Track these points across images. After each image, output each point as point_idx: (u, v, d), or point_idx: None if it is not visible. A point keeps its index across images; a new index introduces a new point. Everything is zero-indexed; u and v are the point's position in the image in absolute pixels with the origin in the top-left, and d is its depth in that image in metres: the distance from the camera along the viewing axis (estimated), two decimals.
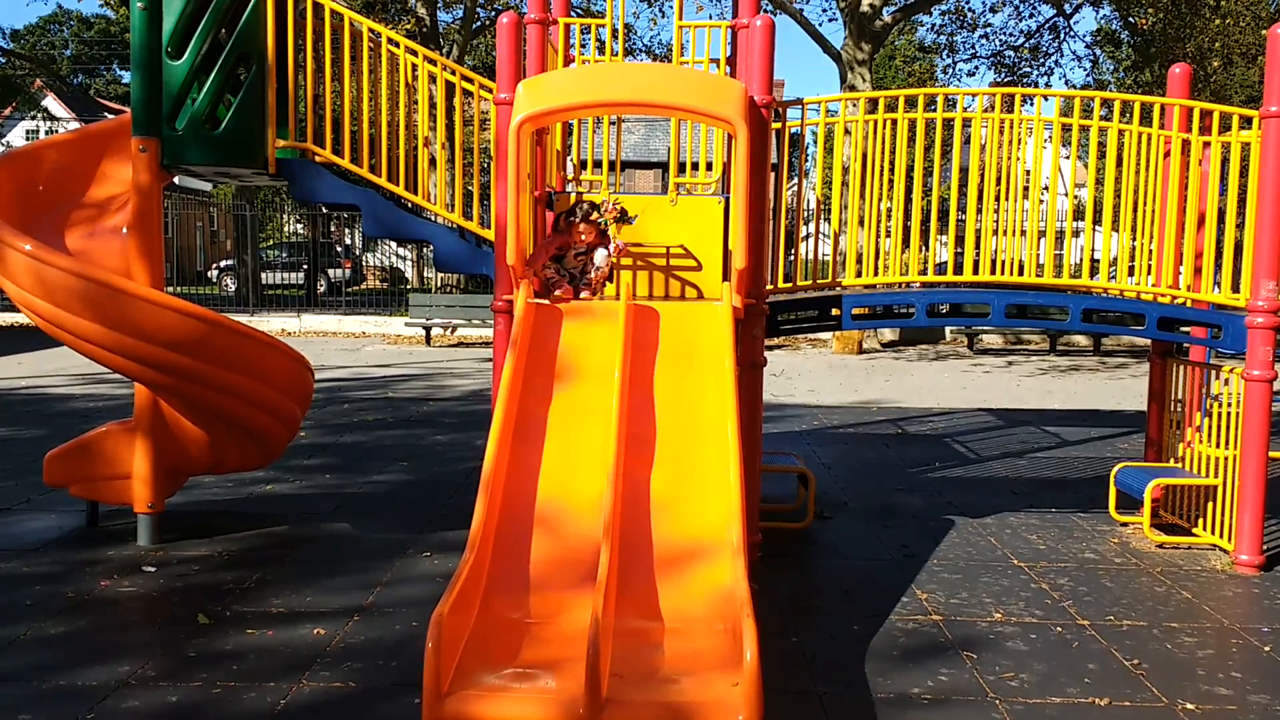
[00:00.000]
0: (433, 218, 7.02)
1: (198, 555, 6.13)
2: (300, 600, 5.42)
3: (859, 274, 6.59)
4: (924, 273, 6.68)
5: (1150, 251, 6.73)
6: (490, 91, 6.22)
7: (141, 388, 6.14)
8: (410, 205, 6.71)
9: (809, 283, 6.67)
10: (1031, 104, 13.36)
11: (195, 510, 7.08)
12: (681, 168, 7.21)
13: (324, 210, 26.90)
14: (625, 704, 3.79)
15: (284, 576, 5.80)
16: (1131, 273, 6.68)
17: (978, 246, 6.50)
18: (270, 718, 4.10)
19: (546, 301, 5.63)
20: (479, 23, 28.17)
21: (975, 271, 6.54)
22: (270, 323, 22.71)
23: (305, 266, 30.00)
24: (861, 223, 6.58)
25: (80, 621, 5.10)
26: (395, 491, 7.79)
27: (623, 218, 5.86)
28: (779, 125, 6.40)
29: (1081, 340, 20.98)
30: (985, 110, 6.59)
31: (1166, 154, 6.68)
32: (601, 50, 7.00)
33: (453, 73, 6.52)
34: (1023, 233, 6.56)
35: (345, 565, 6.02)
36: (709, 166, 7.17)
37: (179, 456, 6.35)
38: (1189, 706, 4.35)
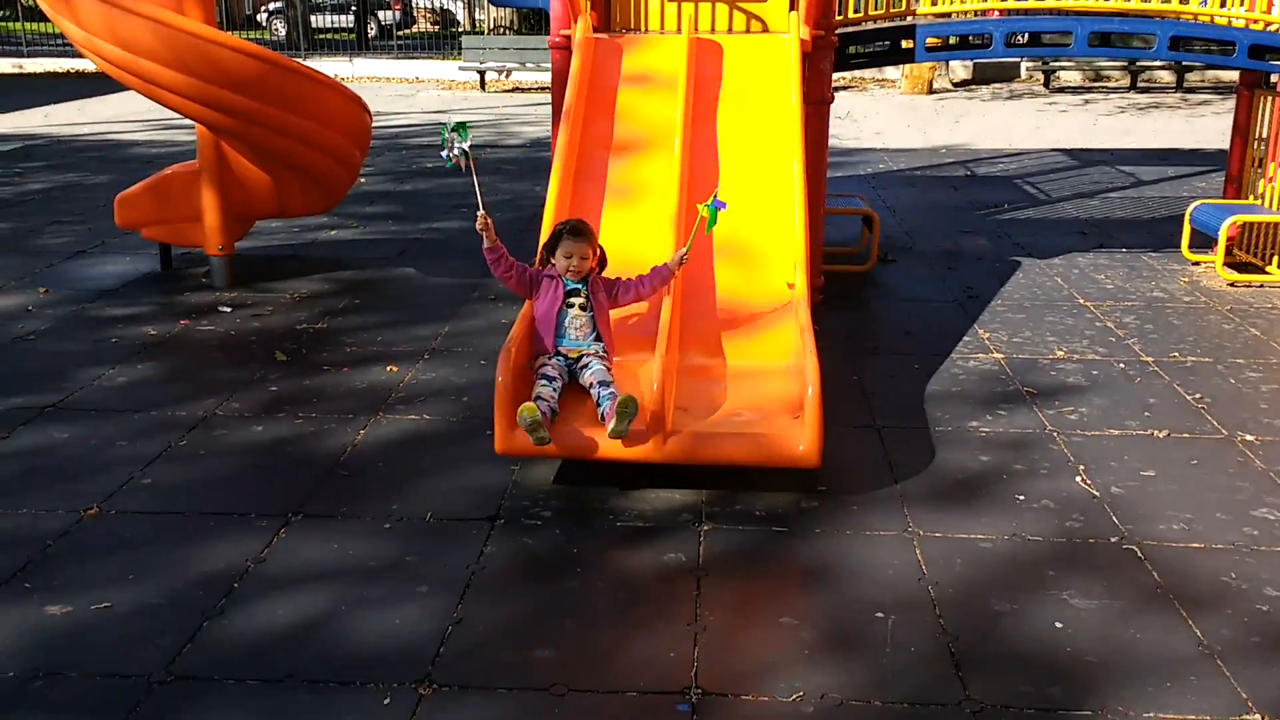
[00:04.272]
0: None
1: (270, 298, 6.29)
2: (371, 340, 5.58)
3: (934, 2, 6.23)
4: None
5: None
6: None
7: (203, 131, 6.12)
8: None
9: (880, 12, 6.34)
10: None
11: (264, 255, 7.20)
12: None
13: None
14: (689, 435, 3.91)
15: (354, 318, 5.95)
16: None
17: None
18: (351, 448, 4.30)
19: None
20: None
21: None
22: (322, 68, 22.31)
23: (354, 8, 29.13)
24: None
25: (165, 359, 5.31)
26: (457, 238, 7.83)
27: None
28: None
29: (1164, 76, 19.96)
30: None
31: None
32: None
33: None
34: None
35: (412, 308, 6.15)
36: None
37: (244, 200, 6.40)
38: (1248, 438, 4.39)
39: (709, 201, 4.21)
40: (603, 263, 4.40)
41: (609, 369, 4.14)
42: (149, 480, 4.01)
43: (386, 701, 2.78)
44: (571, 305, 4.23)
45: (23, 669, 2.90)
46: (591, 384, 4.05)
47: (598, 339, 4.25)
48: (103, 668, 2.91)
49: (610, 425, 3.81)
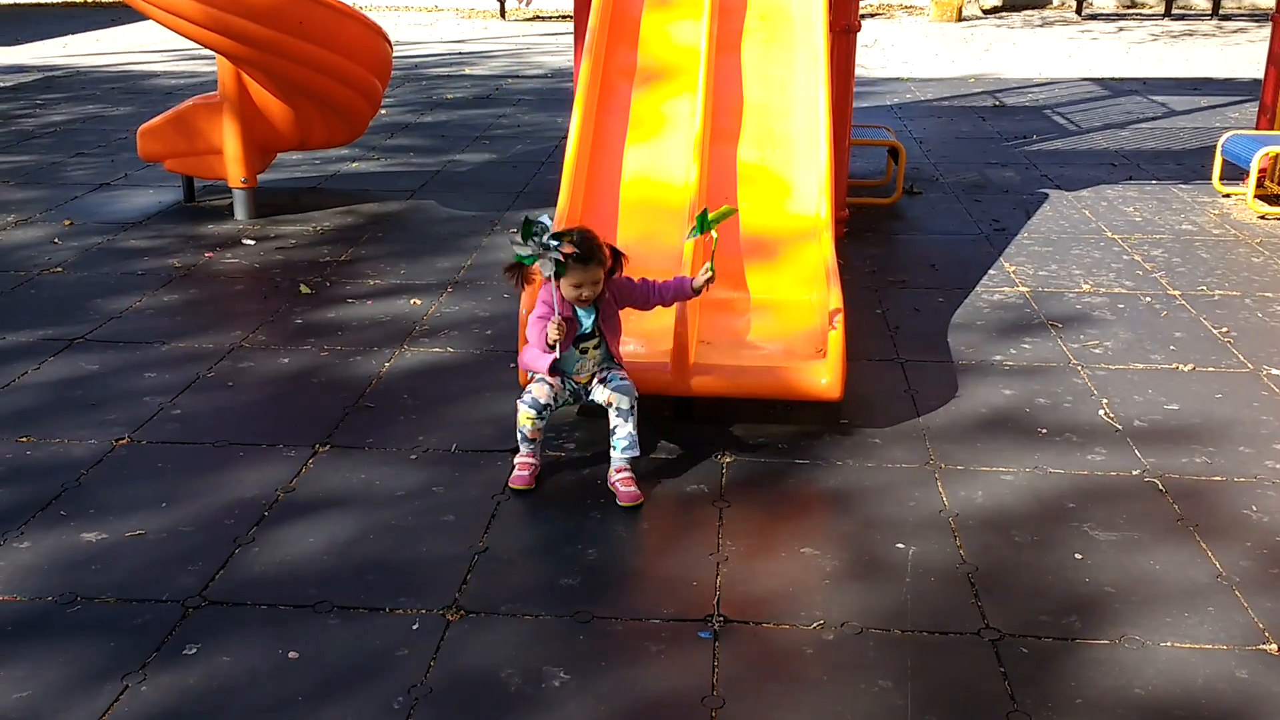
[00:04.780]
0: None
1: (293, 230, 6.30)
2: (395, 273, 5.59)
3: None
4: None
5: None
6: None
7: (224, 62, 6.09)
8: None
9: None
10: None
11: (286, 187, 7.20)
12: None
13: None
14: (712, 369, 3.93)
15: (377, 251, 5.96)
16: None
17: None
18: (376, 379, 4.34)
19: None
20: None
21: None
22: None
23: None
24: None
25: (190, 291, 5.35)
26: (479, 170, 7.80)
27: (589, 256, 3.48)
28: None
29: (1199, 3, 19.50)
30: None
31: None
32: None
33: None
34: None
35: (434, 241, 6.15)
36: None
37: (266, 132, 6.38)
38: (1274, 372, 4.36)
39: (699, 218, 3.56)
40: (616, 261, 3.57)
41: (630, 387, 3.55)
42: (178, 411, 4.06)
43: (415, 627, 2.84)
44: (585, 351, 3.58)
45: (59, 593, 2.97)
46: (609, 404, 3.52)
47: (608, 358, 3.63)
48: (137, 593, 2.98)
49: (608, 480, 3.51)
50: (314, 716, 2.53)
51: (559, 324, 3.38)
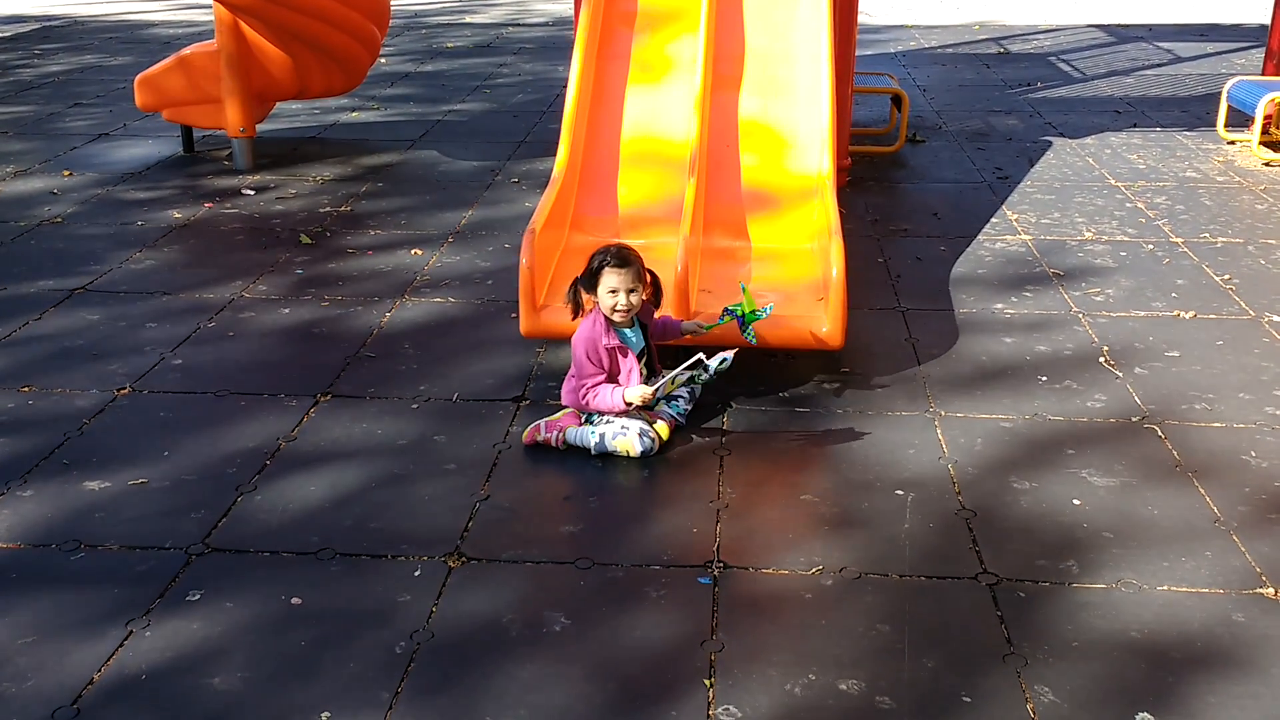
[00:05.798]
0: None
1: (293, 180, 6.27)
2: (395, 223, 5.57)
3: None
4: None
5: None
6: None
7: (221, 10, 6.03)
8: None
9: None
10: None
11: (285, 137, 7.16)
12: None
13: None
14: (712, 317, 3.91)
15: (377, 201, 5.93)
16: None
17: None
18: (378, 330, 4.34)
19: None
20: None
21: None
22: None
23: None
24: None
25: (190, 241, 5.33)
26: (480, 119, 7.75)
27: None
28: None
29: None
30: None
31: None
32: None
33: None
34: None
35: (435, 191, 6.12)
36: None
37: (265, 80, 6.33)
38: (1275, 319, 4.35)
39: (746, 308, 3.62)
40: (657, 289, 3.64)
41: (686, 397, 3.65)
42: (179, 361, 4.07)
43: (417, 573, 2.87)
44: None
45: (63, 541, 3.00)
46: (723, 361, 3.50)
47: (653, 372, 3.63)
48: (141, 540, 3.00)
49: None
50: (317, 661, 2.56)
51: (643, 396, 3.42)
